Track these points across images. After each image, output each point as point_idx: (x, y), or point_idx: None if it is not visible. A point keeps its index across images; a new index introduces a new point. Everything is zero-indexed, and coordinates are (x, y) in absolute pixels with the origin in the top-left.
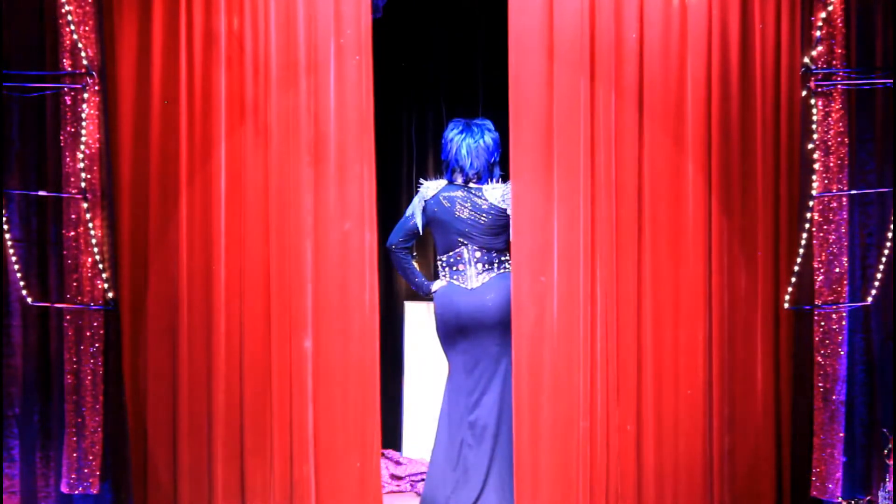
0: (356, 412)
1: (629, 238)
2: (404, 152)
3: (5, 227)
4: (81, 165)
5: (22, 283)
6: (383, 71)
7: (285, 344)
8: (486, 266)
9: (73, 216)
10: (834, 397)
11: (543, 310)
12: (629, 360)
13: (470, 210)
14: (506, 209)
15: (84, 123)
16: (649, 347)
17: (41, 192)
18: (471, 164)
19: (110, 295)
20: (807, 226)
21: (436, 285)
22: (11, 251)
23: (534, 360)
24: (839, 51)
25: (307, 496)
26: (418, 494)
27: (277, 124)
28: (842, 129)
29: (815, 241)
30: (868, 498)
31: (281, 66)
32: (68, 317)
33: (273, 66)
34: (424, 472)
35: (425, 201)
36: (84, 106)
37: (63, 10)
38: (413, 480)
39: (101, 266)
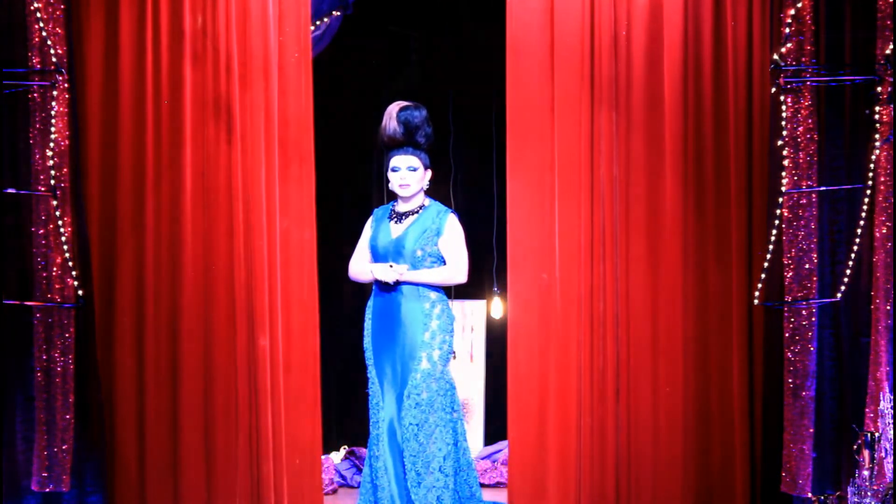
0: (303, 409)
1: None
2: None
3: None
4: (51, 163)
5: None
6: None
7: (245, 340)
8: None
9: (42, 214)
10: (804, 393)
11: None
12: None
13: None
14: None
15: (53, 121)
16: (627, 346)
17: (10, 190)
18: None
19: (80, 292)
20: (776, 222)
21: None
22: None
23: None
24: (808, 47)
25: (268, 489)
26: None
27: (241, 121)
28: (811, 126)
29: (784, 238)
30: (837, 493)
31: (241, 64)
32: (38, 315)
33: (235, 63)
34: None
35: None
36: (53, 104)
37: (32, 8)
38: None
39: (70, 264)
